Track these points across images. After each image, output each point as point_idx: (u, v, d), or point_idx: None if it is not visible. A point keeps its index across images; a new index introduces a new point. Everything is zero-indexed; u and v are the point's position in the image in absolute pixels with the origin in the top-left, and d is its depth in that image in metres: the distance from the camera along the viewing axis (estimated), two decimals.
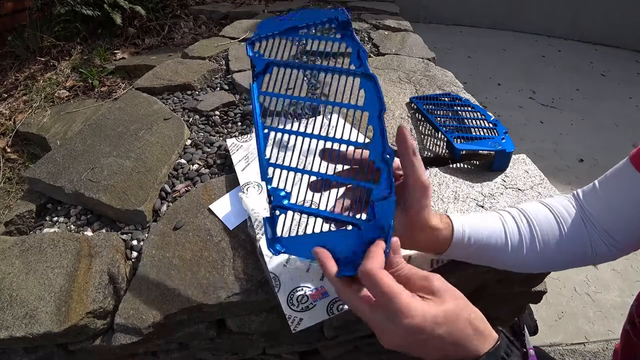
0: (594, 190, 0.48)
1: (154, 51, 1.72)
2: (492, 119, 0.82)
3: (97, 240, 0.62)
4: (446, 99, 0.93)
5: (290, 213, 0.40)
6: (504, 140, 0.73)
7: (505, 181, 0.70)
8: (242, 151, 0.75)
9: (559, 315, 1.26)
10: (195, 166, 0.78)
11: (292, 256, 0.53)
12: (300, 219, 0.40)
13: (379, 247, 0.34)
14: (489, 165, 0.73)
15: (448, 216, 0.45)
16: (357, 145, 0.39)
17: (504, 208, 0.50)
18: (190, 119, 0.94)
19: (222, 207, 0.66)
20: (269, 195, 0.40)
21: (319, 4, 1.95)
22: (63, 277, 0.56)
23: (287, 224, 0.40)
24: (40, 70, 1.64)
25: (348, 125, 0.46)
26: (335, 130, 0.42)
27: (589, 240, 0.46)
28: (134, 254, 0.63)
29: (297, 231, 0.39)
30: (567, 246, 0.46)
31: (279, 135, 0.45)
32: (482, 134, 0.79)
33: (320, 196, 0.43)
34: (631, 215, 0.44)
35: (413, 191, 0.39)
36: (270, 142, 0.44)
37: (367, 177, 0.38)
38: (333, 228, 0.38)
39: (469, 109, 0.87)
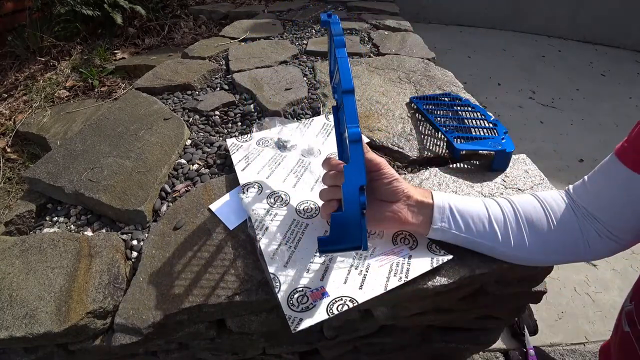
0: (583, 184, 0.49)
1: (154, 51, 1.72)
2: (492, 119, 0.82)
3: (97, 240, 0.63)
4: (446, 99, 0.93)
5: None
6: (504, 140, 0.73)
7: (505, 181, 0.70)
8: (242, 151, 0.75)
9: (559, 315, 1.26)
10: (195, 166, 0.78)
11: (293, 257, 0.54)
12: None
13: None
14: (489, 165, 0.73)
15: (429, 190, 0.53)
16: None
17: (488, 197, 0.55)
18: (190, 119, 0.94)
19: (222, 207, 0.66)
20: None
21: (318, 4, 1.95)
22: (63, 277, 0.56)
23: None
24: (40, 70, 1.64)
25: None
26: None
27: (581, 232, 0.47)
28: (134, 254, 0.63)
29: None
30: (556, 235, 0.47)
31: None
32: (482, 134, 0.78)
33: None
34: (620, 206, 0.45)
35: (370, 171, 0.48)
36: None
37: None
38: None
39: (469, 109, 0.87)
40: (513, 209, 0.49)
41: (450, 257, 0.55)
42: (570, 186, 0.51)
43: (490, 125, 0.81)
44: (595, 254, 0.48)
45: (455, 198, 0.51)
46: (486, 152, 0.74)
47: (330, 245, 0.43)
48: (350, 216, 0.41)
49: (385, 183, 0.49)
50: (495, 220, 0.49)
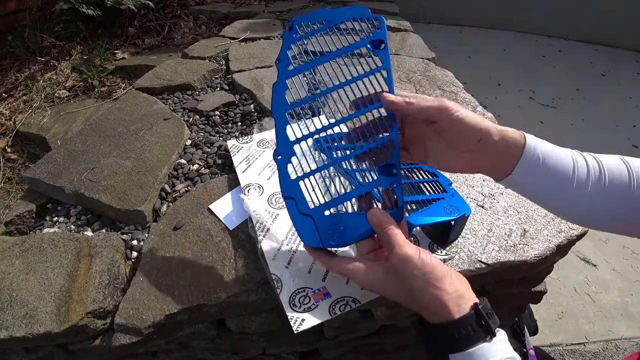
0: None
1: (154, 51, 1.71)
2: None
3: (97, 240, 0.62)
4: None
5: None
6: (453, 197, 0.55)
7: None
8: (243, 153, 0.75)
9: (559, 315, 1.26)
10: (195, 166, 0.78)
11: (294, 258, 0.53)
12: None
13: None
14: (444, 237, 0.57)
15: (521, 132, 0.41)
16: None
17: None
18: (190, 119, 0.94)
19: (222, 207, 0.66)
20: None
21: (320, 5, 1.95)
22: (63, 277, 0.56)
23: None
24: (40, 70, 1.63)
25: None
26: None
27: None
28: (134, 254, 0.63)
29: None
30: (637, 201, 0.41)
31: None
32: (426, 192, 0.57)
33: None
34: None
35: (432, 111, 0.41)
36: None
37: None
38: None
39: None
40: (599, 167, 0.42)
41: (451, 256, 0.55)
42: None
43: (428, 175, 0.60)
44: None
45: (541, 141, 0.42)
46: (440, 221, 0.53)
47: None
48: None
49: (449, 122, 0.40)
50: (578, 174, 0.41)
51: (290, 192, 0.43)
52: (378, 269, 0.39)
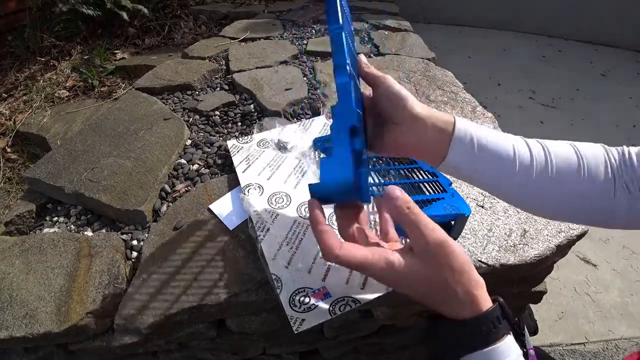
0: None
1: (154, 51, 1.71)
2: (426, 166, 0.62)
3: (97, 240, 0.62)
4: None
5: None
6: (453, 197, 0.56)
7: None
8: (243, 152, 0.75)
9: (559, 315, 1.26)
10: (195, 166, 0.78)
11: (294, 258, 0.53)
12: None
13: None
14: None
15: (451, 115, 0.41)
16: None
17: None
18: (190, 119, 0.94)
19: (222, 207, 0.66)
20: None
21: (318, 4, 1.95)
22: (63, 277, 0.56)
23: None
24: (40, 70, 1.63)
25: None
26: None
27: (615, 195, 0.39)
28: (134, 254, 0.63)
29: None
30: (586, 185, 0.40)
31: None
32: (427, 191, 0.58)
33: None
34: None
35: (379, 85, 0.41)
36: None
37: None
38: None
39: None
40: (544, 153, 0.41)
41: None
42: (632, 148, 0.42)
43: (428, 175, 0.60)
44: (634, 222, 0.40)
45: (474, 126, 0.41)
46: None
47: (321, 193, 0.35)
48: (339, 164, 0.33)
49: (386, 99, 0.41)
50: (520, 160, 0.40)
51: (358, 121, 0.33)
52: (404, 258, 0.33)
